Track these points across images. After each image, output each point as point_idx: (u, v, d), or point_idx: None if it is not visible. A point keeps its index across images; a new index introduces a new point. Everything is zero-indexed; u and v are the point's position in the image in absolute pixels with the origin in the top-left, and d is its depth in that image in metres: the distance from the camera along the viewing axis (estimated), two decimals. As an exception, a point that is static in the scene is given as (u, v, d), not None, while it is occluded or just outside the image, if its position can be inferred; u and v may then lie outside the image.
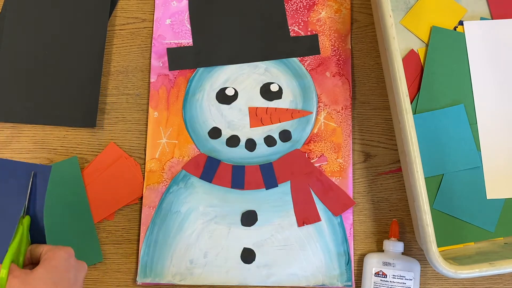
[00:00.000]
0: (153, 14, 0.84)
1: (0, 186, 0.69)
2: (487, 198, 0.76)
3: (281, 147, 0.80)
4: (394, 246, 0.73)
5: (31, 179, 0.61)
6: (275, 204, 0.78)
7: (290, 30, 0.83)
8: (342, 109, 0.80)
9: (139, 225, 0.78)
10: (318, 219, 0.77)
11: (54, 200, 0.77)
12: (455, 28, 0.82)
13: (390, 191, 0.79)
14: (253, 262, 0.76)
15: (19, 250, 0.56)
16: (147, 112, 0.81)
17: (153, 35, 0.83)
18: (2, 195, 0.72)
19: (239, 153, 0.80)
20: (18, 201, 0.75)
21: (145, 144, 0.80)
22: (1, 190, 0.70)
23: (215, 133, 0.80)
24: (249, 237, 0.77)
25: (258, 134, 0.80)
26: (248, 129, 0.80)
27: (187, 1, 0.85)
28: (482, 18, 0.82)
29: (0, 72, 0.81)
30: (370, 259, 0.74)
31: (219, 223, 0.77)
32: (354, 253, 0.77)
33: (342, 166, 0.79)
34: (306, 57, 0.82)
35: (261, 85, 0.82)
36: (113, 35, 0.84)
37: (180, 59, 0.83)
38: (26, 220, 0.57)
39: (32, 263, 0.59)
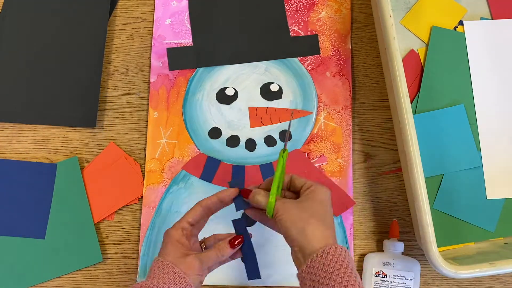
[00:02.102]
0: (153, 14, 0.84)
1: (12, 185, 0.76)
2: (487, 198, 0.76)
3: (281, 147, 0.79)
4: (394, 246, 0.73)
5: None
6: (275, 204, 0.78)
7: (290, 30, 0.83)
8: (342, 109, 0.80)
9: (139, 225, 0.78)
10: (318, 219, 0.77)
11: (54, 200, 0.77)
12: (455, 28, 0.82)
13: (390, 191, 0.79)
14: (253, 262, 0.76)
15: (280, 179, 0.60)
16: (147, 112, 0.81)
17: (153, 35, 0.83)
18: (15, 192, 0.77)
19: (239, 153, 0.80)
20: (29, 197, 0.77)
21: (145, 144, 0.80)
22: (16, 188, 0.77)
23: (215, 133, 0.80)
24: (249, 237, 0.77)
25: (258, 134, 0.80)
26: (248, 129, 0.80)
27: (187, 1, 0.85)
28: (482, 18, 0.82)
29: (0, 72, 0.81)
30: (370, 259, 0.74)
31: (219, 223, 0.77)
32: (354, 253, 0.77)
33: (342, 166, 0.79)
34: (306, 57, 0.82)
35: (261, 85, 0.82)
36: (113, 35, 0.84)
37: (180, 59, 0.83)
38: (286, 154, 0.60)
39: (289, 190, 0.62)
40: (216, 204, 0.62)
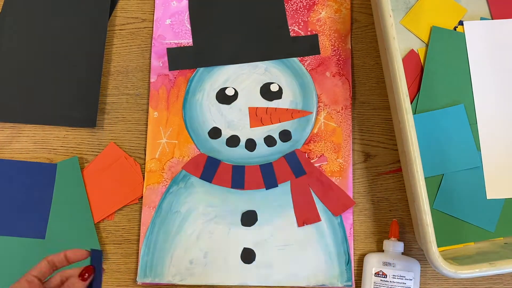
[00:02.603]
0: (153, 14, 0.84)
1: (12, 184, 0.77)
2: (487, 198, 0.76)
3: (281, 147, 0.80)
4: (394, 246, 0.73)
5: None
6: (275, 204, 0.78)
7: (290, 30, 0.83)
8: (342, 109, 0.80)
9: (139, 225, 0.78)
10: (318, 219, 0.77)
11: (54, 200, 0.77)
12: (455, 28, 0.82)
13: (390, 191, 0.79)
14: (253, 262, 0.76)
15: None
16: (147, 112, 0.81)
17: (153, 35, 0.83)
18: (17, 192, 0.77)
19: (239, 153, 0.80)
20: (29, 197, 0.77)
21: (145, 144, 0.80)
22: (16, 188, 0.77)
23: (215, 133, 0.80)
24: (249, 237, 0.77)
25: (258, 134, 0.80)
26: (248, 129, 0.80)
27: (187, 1, 0.85)
28: (482, 18, 0.82)
29: (0, 72, 0.81)
30: (370, 259, 0.74)
31: (219, 223, 0.77)
32: (354, 253, 0.77)
33: (342, 166, 0.79)
34: (306, 57, 0.82)
35: (261, 85, 0.82)
36: (113, 35, 0.84)
37: (180, 59, 0.83)
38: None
39: None
40: (62, 261, 0.58)
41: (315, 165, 0.79)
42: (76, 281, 0.55)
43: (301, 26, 0.83)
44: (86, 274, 0.56)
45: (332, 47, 0.82)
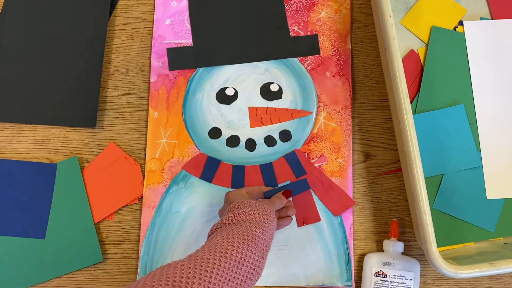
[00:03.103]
0: (153, 14, 0.84)
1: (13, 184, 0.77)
2: (487, 198, 0.76)
3: (281, 147, 0.80)
4: (394, 246, 0.73)
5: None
6: (275, 204, 0.78)
7: (290, 30, 0.83)
8: (342, 109, 0.80)
9: (139, 225, 0.78)
10: (318, 219, 0.77)
11: (54, 200, 0.77)
12: (455, 28, 0.82)
13: (390, 191, 0.79)
14: (253, 262, 0.76)
15: None
16: (147, 112, 0.81)
17: (153, 35, 0.83)
18: (15, 192, 0.77)
19: (239, 153, 0.80)
20: (29, 197, 0.77)
21: (145, 144, 0.80)
22: (16, 188, 0.77)
23: (215, 133, 0.80)
24: (249, 237, 0.77)
25: (258, 134, 0.80)
26: (248, 129, 0.80)
27: (187, 1, 0.85)
28: (482, 18, 0.82)
29: (0, 72, 0.81)
30: (370, 259, 0.74)
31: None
32: (354, 253, 0.77)
33: (342, 166, 0.79)
34: (306, 57, 0.82)
35: (261, 85, 0.82)
36: (113, 35, 0.84)
37: (180, 59, 0.83)
38: None
39: None
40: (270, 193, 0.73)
41: (315, 165, 0.79)
42: (281, 197, 0.71)
43: (301, 26, 0.83)
44: (287, 194, 0.72)
45: (332, 47, 0.82)
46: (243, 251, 0.55)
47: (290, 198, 0.74)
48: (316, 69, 0.82)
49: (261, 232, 0.59)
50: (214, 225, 0.63)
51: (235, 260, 0.53)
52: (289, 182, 0.78)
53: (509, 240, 0.75)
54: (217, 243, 0.55)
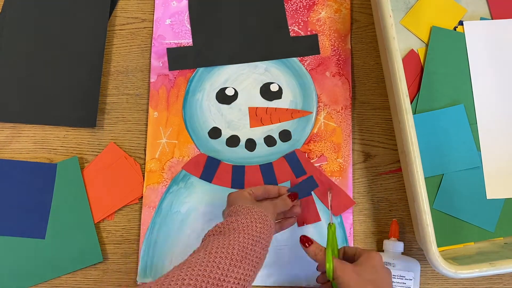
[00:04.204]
0: (153, 14, 0.84)
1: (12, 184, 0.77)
2: (487, 198, 0.76)
3: (281, 147, 0.80)
4: (394, 246, 0.73)
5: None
6: (275, 204, 0.78)
7: (290, 30, 0.83)
8: (342, 109, 0.80)
9: (139, 225, 0.78)
10: (318, 219, 0.77)
11: (54, 200, 0.77)
12: (455, 28, 0.82)
13: (390, 191, 0.79)
14: (253, 262, 0.76)
15: (333, 246, 0.66)
16: (147, 112, 0.81)
17: (153, 35, 0.83)
18: (15, 192, 0.77)
19: (239, 153, 0.80)
20: (29, 197, 0.77)
21: (145, 144, 0.80)
22: (16, 188, 0.77)
23: (215, 133, 0.80)
24: (249, 237, 0.77)
25: (258, 134, 0.80)
26: (248, 129, 0.80)
27: (187, 1, 0.85)
28: (482, 18, 0.82)
29: (0, 72, 0.81)
30: (370, 259, 0.74)
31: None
32: (354, 253, 0.77)
33: (342, 166, 0.79)
34: (306, 57, 0.82)
35: (261, 85, 0.82)
36: (113, 35, 0.84)
37: (180, 59, 0.83)
38: (333, 226, 0.67)
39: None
40: (274, 192, 0.71)
41: (315, 165, 0.79)
42: (287, 199, 0.70)
43: (301, 26, 0.83)
44: (294, 197, 0.70)
45: (332, 47, 0.82)
46: (225, 267, 0.52)
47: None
48: (316, 69, 0.82)
49: (251, 244, 0.57)
50: (209, 231, 0.62)
51: (215, 277, 0.51)
52: (290, 181, 0.78)
53: (509, 240, 0.75)
54: (198, 259, 0.53)
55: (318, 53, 0.82)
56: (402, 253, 0.74)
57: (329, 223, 0.68)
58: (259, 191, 0.70)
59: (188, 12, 0.84)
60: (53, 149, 0.80)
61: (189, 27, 0.84)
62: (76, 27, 0.83)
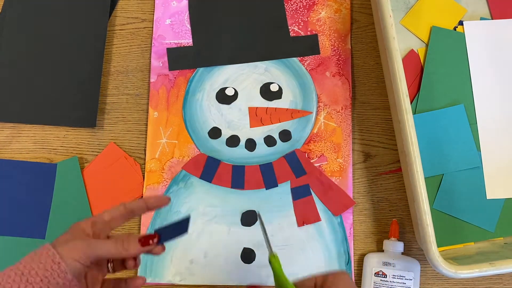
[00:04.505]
0: (153, 14, 0.84)
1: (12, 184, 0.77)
2: (487, 198, 0.76)
3: (281, 147, 0.80)
4: (394, 246, 0.73)
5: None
6: (275, 204, 0.78)
7: (290, 30, 0.83)
8: (342, 109, 0.80)
9: (139, 225, 0.78)
10: (318, 219, 0.77)
11: (54, 200, 0.77)
12: (455, 28, 0.82)
13: (390, 191, 0.79)
14: (253, 262, 0.76)
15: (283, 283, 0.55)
16: (147, 112, 0.81)
17: (153, 35, 0.83)
18: (16, 192, 0.77)
19: (239, 153, 0.80)
20: (29, 197, 0.77)
21: (145, 144, 0.80)
22: (16, 188, 0.77)
23: (215, 133, 0.80)
24: (249, 237, 0.77)
25: (258, 134, 0.80)
26: (248, 129, 0.80)
27: (187, 1, 0.85)
28: (482, 18, 0.82)
29: (0, 72, 0.81)
30: (370, 259, 0.74)
31: (219, 223, 0.77)
32: (354, 253, 0.77)
33: (342, 166, 0.79)
34: (306, 57, 0.82)
35: (261, 85, 0.82)
36: (113, 35, 0.84)
37: (180, 59, 0.83)
38: (276, 258, 0.56)
39: None
40: (142, 208, 0.54)
41: (315, 165, 0.79)
42: (133, 241, 0.50)
43: (301, 26, 0.83)
44: (149, 241, 0.51)
45: (332, 47, 0.82)
46: None
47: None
48: (316, 69, 0.82)
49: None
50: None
51: None
52: (290, 181, 0.78)
53: (509, 240, 0.75)
54: None
55: (318, 53, 0.82)
56: (402, 253, 0.74)
57: (271, 254, 0.56)
58: (117, 213, 0.53)
59: (188, 12, 0.84)
60: (53, 149, 0.80)
61: (189, 27, 0.84)
62: (76, 27, 0.83)
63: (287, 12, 0.84)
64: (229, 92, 0.81)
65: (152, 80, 0.82)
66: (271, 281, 0.76)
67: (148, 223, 0.77)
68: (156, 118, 0.81)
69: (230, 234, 0.77)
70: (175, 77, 0.82)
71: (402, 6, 0.83)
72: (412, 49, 0.81)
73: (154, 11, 0.84)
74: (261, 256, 0.76)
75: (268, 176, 0.78)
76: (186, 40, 0.83)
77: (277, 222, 0.77)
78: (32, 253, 0.47)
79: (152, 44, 0.83)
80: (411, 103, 0.75)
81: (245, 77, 0.82)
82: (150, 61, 0.83)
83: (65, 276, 0.46)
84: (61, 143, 0.81)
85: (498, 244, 0.75)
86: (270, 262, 0.55)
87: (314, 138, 0.80)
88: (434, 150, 0.77)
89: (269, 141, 0.80)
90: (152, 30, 0.84)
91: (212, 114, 0.81)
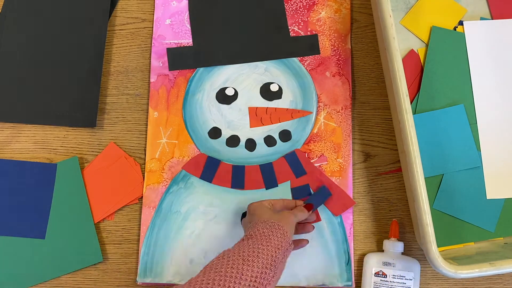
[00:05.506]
0: (153, 14, 0.84)
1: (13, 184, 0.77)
2: (487, 198, 0.76)
3: (281, 147, 0.80)
4: (394, 246, 0.73)
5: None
6: (275, 204, 0.78)
7: (290, 30, 0.83)
8: (342, 109, 0.80)
9: (139, 225, 0.78)
10: (318, 219, 0.77)
11: (54, 200, 0.77)
12: (455, 28, 0.82)
13: (390, 191, 0.79)
14: (253, 262, 0.76)
15: None
16: (147, 112, 0.81)
17: (153, 35, 0.83)
18: (16, 192, 0.77)
19: (239, 153, 0.80)
20: (29, 197, 0.77)
21: (145, 144, 0.80)
22: (16, 188, 0.77)
23: (215, 133, 0.80)
24: (249, 237, 0.77)
25: (258, 134, 0.80)
26: (248, 129, 0.80)
27: (187, 1, 0.85)
28: (482, 18, 0.82)
29: (0, 72, 0.81)
30: (370, 259, 0.74)
31: (219, 223, 0.77)
32: (354, 253, 0.77)
33: (342, 166, 0.79)
34: (306, 57, 0.82)
35: (261, 85, 0.82)
36: (113, 35, 0.84)
37: (180, 59, 0.83)
38: None
39: None
40: (292, 206, 0.73)
41: (315, 165, 0.79)
42: (303, 209, 0.71)
43: (301, 26, 0.83)
44: (309, 208, 0.72)
45: (332, 47, 0.82)
46: (238, 266, 0.56)
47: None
48: (316, 69, 0.82)
49: (262, 244, 0.60)
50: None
51: (231, 276, 0.55)
52: (290, 181, 0.78)
53: (509, 240, 0.75)
54: (212, 264, 0.58)
55: (318, 53, 0.82)
56: (402, 253, 0.74)
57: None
58: (278, 203, 0.72)
59: (188, 12, 0.84)
60: (53, 149, 0.80)
61: (189, 27, 0.84)
62: (76, 27, 0.83)
63: (287, 12, 0.84)
64: (229, 92, 0.81)
65: (152, 80, 0.82)
66: (271, 281, 0.76)
67: (148, 223, 0.77)
68: (156, 118, 0.81)
69: (230, 234, 0.77)
70: (175, 77, 0.82)
71: (402, 6, 0.83)
72: (412, 49, 0.81)
73: (154, 11, 0.84)
74: (261, 256, 0.76)
75: (268, 176, 0.78)
76: (186, 40, 0.83)
77: (277, 222, 0.77)
78: (255, 225, 0.64)
79: (152, 44, 0.83)
80: (411, 103, 0.75)
81: (245, 77, 0.82)
82: (150, 61, 0.83)
83: (290, 236, 0.64)
84: (61, 143, 0.81)
85: (498, 244, 0.75)
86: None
87: (314, 138, 0.80)
88: (434, 150, 0.77)
89: (269, 141, 0.80)
90: (152, 30, 0.84)
91: (212, 114, 0.81)
